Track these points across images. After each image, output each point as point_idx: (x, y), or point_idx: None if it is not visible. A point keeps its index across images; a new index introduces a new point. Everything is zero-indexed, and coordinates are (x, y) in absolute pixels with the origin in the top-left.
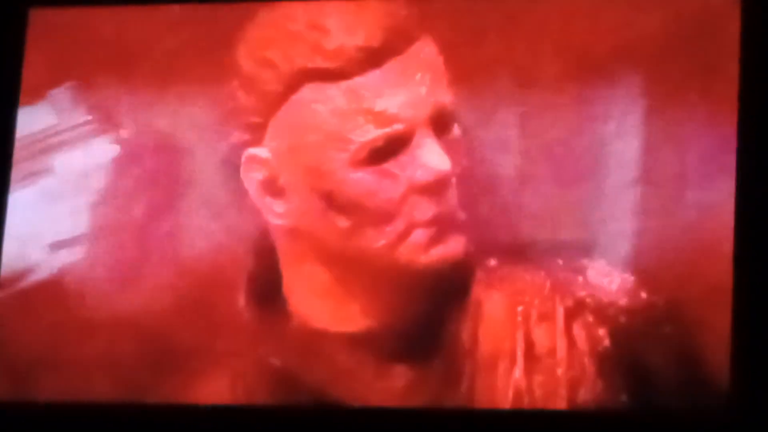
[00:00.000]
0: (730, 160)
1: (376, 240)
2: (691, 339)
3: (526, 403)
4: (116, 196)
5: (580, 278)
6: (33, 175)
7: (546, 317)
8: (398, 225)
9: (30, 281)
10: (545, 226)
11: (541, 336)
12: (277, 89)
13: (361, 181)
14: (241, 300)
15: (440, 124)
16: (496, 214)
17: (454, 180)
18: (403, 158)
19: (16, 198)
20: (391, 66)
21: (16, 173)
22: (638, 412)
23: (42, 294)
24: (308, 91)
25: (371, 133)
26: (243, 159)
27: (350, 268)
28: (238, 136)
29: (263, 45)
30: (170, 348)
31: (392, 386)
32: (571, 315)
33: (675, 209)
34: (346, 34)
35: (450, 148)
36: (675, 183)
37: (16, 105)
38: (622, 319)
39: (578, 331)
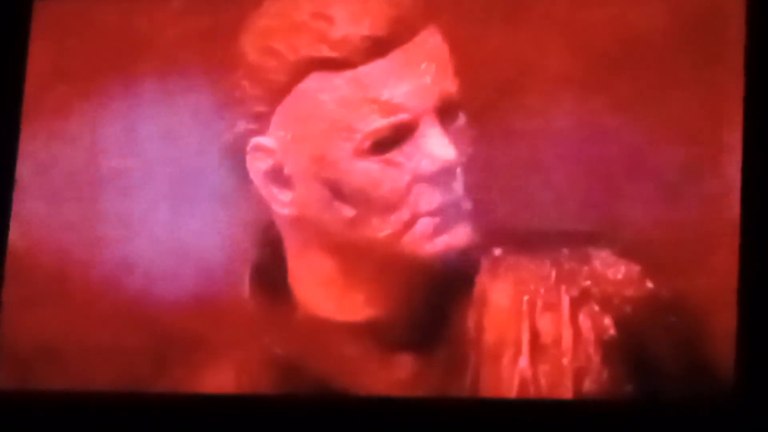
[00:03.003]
0: (736, 151)
1: (381, 229)
2: (696, 329)
3: (531, 393)
4: (121, 185)
5: (586, 268)
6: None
7: (551, 307)
8: (403, 214)
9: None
10: (551, 216)
11: (546, 325)
12: (282, 78)
13: (367, 170)
14: (246, 290)
15: (445, 113)
16: (501, 203)
17: (459, 169)
18: (408, 148)
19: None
20: (397, 55)
21: None
22: (643, 402)
23: (46, 284)
24: (313, 81)
25: (376, 123)
26: (248, 148)
27: (355, 257)
28: (243, 125)
29: (268, 34)
30: (175, 338)
31: (397, 376)
32: (576, 304)
33: (681, 199)
34: (351, 23)
35: (455, 138)
36: (681, 173)
37: (21, 97)
38: (628, 308)
39: (584, 321)
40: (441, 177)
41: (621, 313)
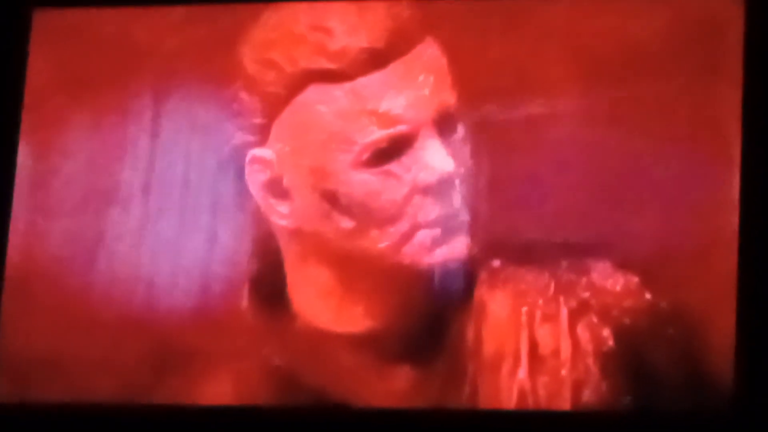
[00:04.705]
0: (735, 161)
1: (380, 241)
2: (694, 340)
3: (530, 404)
4: (119, 197)
5: (584, 279)
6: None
7: (550, 318)
8: (402, 226)
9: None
10: (549, 227)
11: (545, 337)
12: (280, 90)
13: (365, 182)
14: (245, 301)
15: (444, 125)
16: (499, 215)
17: (457, 181)
18: (406, 159)
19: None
20: (395, 67)
21: None
22: (642, 413)
23: (45, 294)
24: (312, 93)
25: (375, 134)
26: (247, 160)
27: (354, 268)
28: (241, 137)
29: (267, 46)
30: (174, 349)
31: (395, 387)
32: (575, 316)
33: (679, 210)
34: (350, 35)
35: (454, 149)
36: (679, 184)
37: (21, 106)
38: (626, 320)
39: (582, 332)
40: (440, 188)
41: (619, 324)
